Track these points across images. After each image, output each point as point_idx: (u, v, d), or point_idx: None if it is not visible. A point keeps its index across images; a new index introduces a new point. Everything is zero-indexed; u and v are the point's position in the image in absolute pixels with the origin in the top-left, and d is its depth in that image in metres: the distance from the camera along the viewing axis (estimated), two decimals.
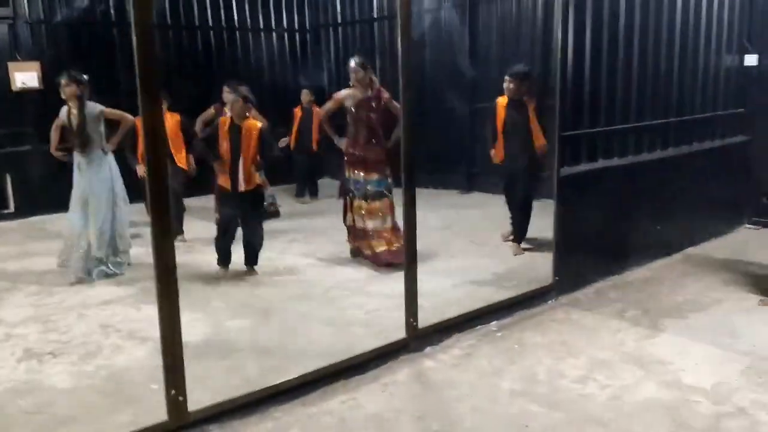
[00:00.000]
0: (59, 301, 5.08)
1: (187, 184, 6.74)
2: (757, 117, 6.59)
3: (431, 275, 4.88)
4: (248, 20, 10.59)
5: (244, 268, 5.62)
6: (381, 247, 5.65)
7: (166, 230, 2.95)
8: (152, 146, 2.86)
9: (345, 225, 5.92)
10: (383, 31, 10.24)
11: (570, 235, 4.86)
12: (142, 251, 5.79)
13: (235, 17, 10.46)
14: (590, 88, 5.02)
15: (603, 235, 5.25)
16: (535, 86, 6.05)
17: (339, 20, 10.99)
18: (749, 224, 6.82)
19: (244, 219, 5.55)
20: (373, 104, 5.65)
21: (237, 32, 10.50)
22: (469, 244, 6.41)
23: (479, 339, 4.18)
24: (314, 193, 9.29)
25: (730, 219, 6.69)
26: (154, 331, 3.00)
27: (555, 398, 3.41)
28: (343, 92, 5.78)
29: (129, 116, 5.70)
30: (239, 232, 5.61)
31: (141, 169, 6.03)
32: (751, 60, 6.53)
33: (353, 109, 5.67)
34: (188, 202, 6.92)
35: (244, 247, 5.60)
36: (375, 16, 10.36)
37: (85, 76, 5.53)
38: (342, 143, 5.85)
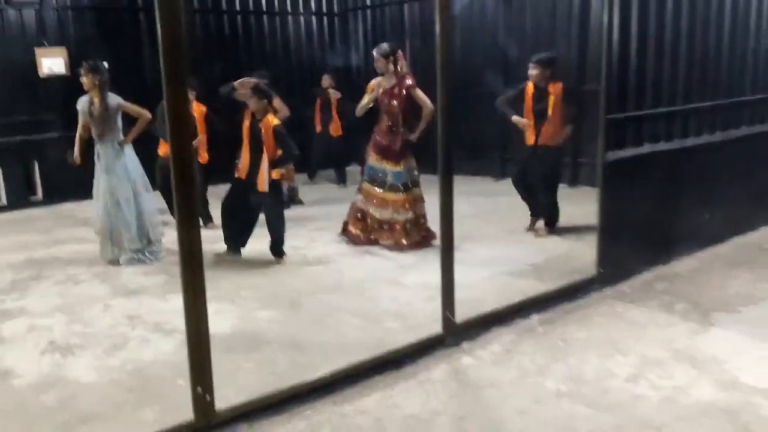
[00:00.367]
0: (85, 291, 4.99)
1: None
2: None
3: (465, 266, 4.61)
4: (276, 3, 10.44)
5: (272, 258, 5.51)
6: (386, 241, 5.73)
7: (190, 217, 2.80)
8: (177, 133, 2.72)
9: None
10: (413, 13, 10.03)
11: (615, 224, 4.62)
12: (169, 239, 5.67)
13: (263, 1, 10.32)
14: (636, 70, 4.75)
15: (649, 224, 4.99)
16: (559, 73, 5.98)
17: (368, 3, 10.82)
18: None
19: (264, 209, 5.43)
20: (396, 92, 5.64)
21: (264, 16, 10.36)
22: (503, 233, 6.19)
23: (519, 334, 3.96)
24: (342, 181, 9.13)
25: None
26: (181, 322, 2.86)
27: (604, 400, 3.19)
28: (374, 81, 5.79)
29: (146, 112, 5.58)
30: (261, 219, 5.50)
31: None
32: None
33: (381, 98, 5.70)
34: (212, 190, 6.79)
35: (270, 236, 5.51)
36: None
37: (105, 64, 5.40)
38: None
